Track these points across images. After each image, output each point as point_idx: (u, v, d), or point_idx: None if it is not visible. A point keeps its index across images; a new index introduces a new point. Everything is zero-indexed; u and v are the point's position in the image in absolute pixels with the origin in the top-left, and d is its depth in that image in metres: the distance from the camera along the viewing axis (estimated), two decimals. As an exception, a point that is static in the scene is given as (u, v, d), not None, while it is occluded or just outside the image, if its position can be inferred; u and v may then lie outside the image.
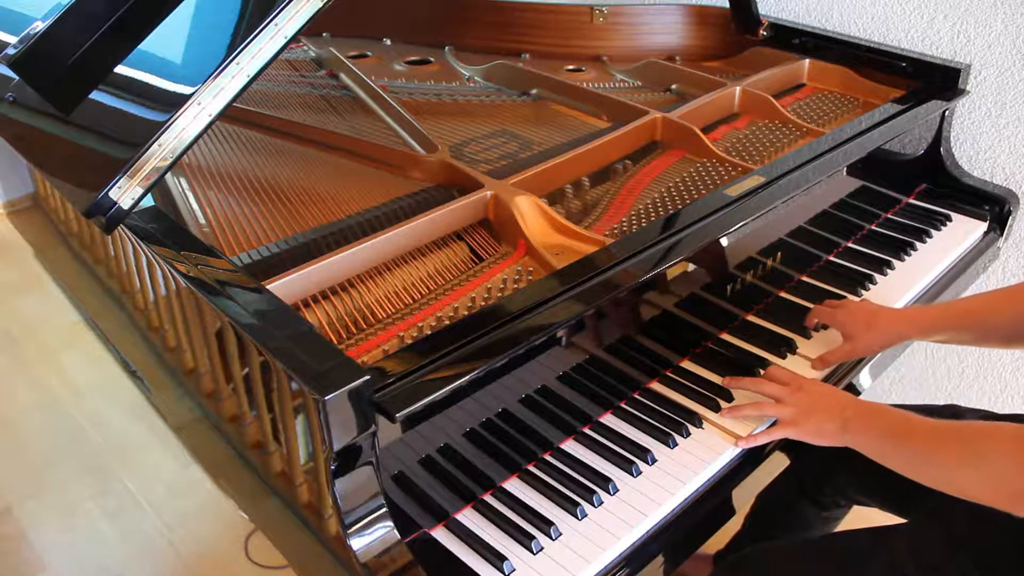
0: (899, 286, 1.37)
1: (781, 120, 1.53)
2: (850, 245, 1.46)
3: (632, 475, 1.00)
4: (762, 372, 1.15)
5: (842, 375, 1.21)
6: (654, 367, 1.15)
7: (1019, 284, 1.14)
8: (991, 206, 1.55)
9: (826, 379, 1.19)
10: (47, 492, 1.93)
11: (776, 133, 1.50)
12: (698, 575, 1.56)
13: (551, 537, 0.92)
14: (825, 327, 1.25)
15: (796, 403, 1.03)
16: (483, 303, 1.05)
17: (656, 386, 1.14)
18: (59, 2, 1.08)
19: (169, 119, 0.92)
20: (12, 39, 1.12)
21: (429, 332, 0.97)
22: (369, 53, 1.83)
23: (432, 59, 1.83)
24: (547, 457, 1.03)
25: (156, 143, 0.92)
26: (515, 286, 1.08)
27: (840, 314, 1.19)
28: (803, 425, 1.02)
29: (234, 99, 0.93)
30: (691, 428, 1.07)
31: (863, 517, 1.32)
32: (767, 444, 1.06)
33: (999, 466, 0.86)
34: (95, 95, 1.05)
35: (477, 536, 0.92)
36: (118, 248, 1.15)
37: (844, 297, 1.32)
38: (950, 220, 1.54)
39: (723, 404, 1.10)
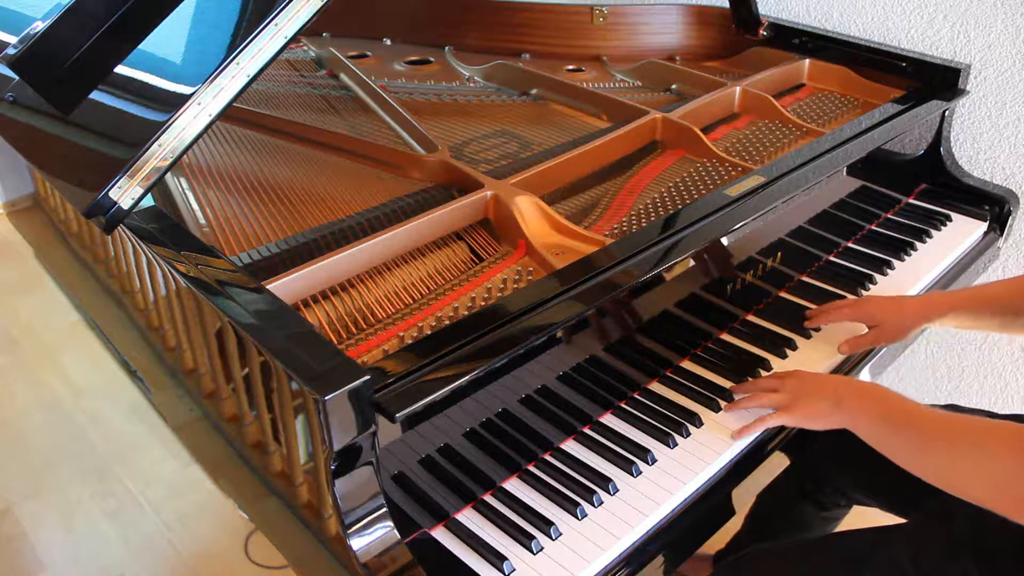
0: (899, 286, 1.37)
1: (781, 120, 1.53)
2: (850, 245, 1.46)
3: (632, 475, 1.00)
4: (763, 373, 1.15)
5: (842, 374, 1.21)
6: (654, 367, 1.15)
7: None
8: (991, 206, 1.55)
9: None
10: (47, 492, 1.93)
11: (776, 133, 1.50)
12: (698, 575, 1.56)
13: (551, 537, 0.92)
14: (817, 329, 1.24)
15: (789, 389, 1.04)
16: (483, 303, 1.05)
17: (656, 386, 1.14)
18: (59, 2, 1.08)
19: (169, 119, 0.92)
20: (12, 39, 1.12)
21: (429, 332, 0.97)
22: (369, 53, 1.83)
23: (432, 59, 1.83)
24: (547, 457, 1.03)
25: (156, 143, 0.92)
26: (515, 286, 1.08)
27: (867, 306, 1.19)
28: (797, 409, 1.02)
29: (234, 99, 0.93)
30: (691, 428, 1.07)
31: (863, 517, 1.32)
32: (767, 445, 1.06)
33: (1004, 467, 0.83)
34: (95, 95, 1.05)
35: (477, 536, 0.92)
36: (118, 248, 1.15)
37: (843, 297, 1.32)
38: (950, 220, 1.54)
39: (723, 404, 1.10)
